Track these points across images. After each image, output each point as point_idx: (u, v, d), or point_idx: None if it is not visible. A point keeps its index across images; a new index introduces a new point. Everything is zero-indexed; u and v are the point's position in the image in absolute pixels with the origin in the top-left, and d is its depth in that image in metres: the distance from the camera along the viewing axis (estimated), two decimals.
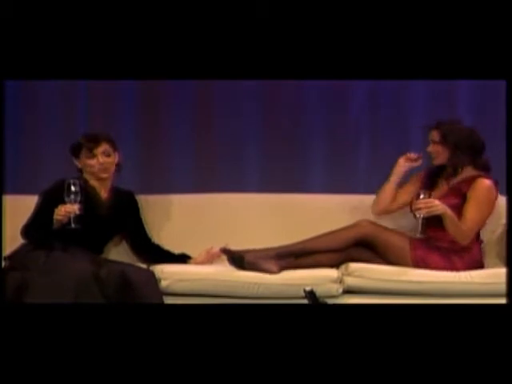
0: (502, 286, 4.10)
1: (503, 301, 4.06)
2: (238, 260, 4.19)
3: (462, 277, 4.24)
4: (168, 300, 4.09)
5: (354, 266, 4.25)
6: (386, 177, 4.93)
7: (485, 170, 4.34)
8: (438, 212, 4.16)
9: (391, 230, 4.39)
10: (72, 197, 4.11)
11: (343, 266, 4.28)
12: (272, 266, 4.18)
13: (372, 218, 4.52)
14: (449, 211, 4.17)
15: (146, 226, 4.50)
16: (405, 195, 4.43)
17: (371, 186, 4.98)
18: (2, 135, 4.40)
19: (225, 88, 5.30)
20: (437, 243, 4.32)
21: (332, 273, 4.24)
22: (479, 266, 4.29)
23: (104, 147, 4.24)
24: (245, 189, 4.97)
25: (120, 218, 4.37)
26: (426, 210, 4.14)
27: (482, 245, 4.37)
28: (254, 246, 4.36)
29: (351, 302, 4.14)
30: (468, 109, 5.31)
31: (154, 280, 4.02)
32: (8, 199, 4.54)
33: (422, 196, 4.15)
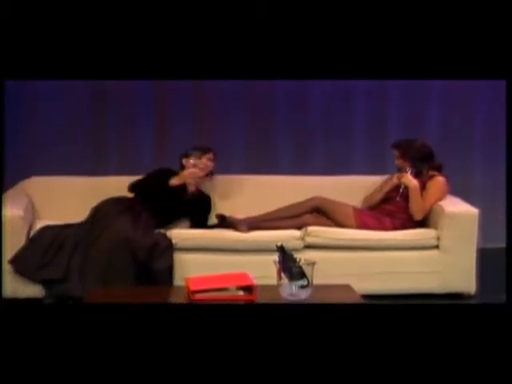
0: (419, 242, 5.07)
1: (417, 253, 5.04)
2: (222, 218, 5.14)
3: (388, 235, 5.12)
4: (176, 254, 4.87)
5: (311, 228, 5.09)
6: (339, 160, 6.01)
7: (439, 170, 5.29)
8: (407, 183, 5.13)
9: (337, 202, 5.27)
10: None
11: (304, 229, 5.09)
12: (243, 227, 5.09)
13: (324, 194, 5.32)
14: (417, 188, 5.13)
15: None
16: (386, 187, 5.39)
17: (327, 168, 5.95)
18: (2, 134, 4.73)
19: (216, 88, 6.00)
20: (384, 207, 5.27)
21: (296, 233, 5.06)
22: (404, 229, 5.16)
23: (209, 156, 5.25)
24: (230, 171, 5.69)
25: (192, 207, 5.26)
26: (403, 180, 5.15)
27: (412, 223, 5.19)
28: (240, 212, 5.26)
29: (310, 255, 4.62)
30: (398, 105, 6.22)
31: (171, 245, 4.89)
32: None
33: (408, 170, 5.19)
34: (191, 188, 5.24)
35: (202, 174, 5.21)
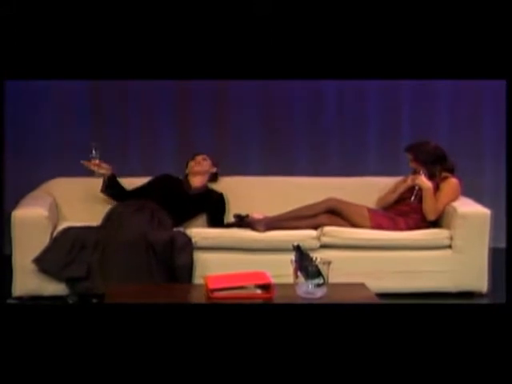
0: (432, 242, 5.14)
1: (430, 253, 5.10)
2: (240, 218, 5.25)
3: (402, 235, 5.20)
4: (196, 252, 4.94)
5: (327, 228, 5.18)
6: (353, 161, 6.06)
7: (452, 171, 5.35)
8: (421, 185, 5.20)
9: (351, 203, 5.35)
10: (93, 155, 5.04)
11: (320, 229, 5.18)
12: (261, 226, 5.18)
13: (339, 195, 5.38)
14: (431, 189, 5.20)
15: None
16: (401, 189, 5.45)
17: (341, 169, 6.02)
18: (2, 134, 4.71)
19: (234, 90, 6.09)
20: (398, 207, 5.34)
21: (312, 233, 5.14)
22: (417, 229, 5.24)
23: (202, 156, 5.45)
24: (247, 172, 5.83)
25: (203, 204, 5.40)
26: (417, 181, 5.21)
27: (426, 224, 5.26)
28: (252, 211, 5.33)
29: (326, 254, 4.65)
30: (410, 107, 6.27)
31: (190, 242, 4.96)
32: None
33: (421, 172, 5.25)
34: (194, 183, 5.43)
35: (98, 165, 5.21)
